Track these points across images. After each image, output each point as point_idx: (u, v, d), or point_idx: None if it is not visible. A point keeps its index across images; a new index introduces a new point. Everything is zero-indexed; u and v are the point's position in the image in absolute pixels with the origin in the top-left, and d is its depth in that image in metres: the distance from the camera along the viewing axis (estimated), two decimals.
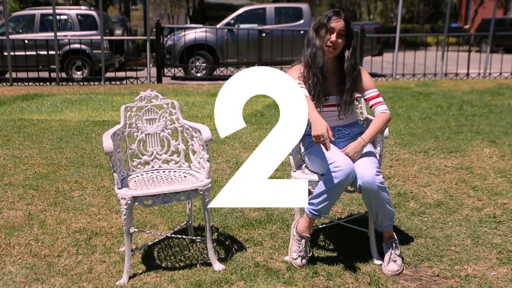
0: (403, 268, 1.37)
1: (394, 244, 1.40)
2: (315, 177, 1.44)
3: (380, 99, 1.46)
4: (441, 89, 5.15)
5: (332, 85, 1.44)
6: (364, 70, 1.48)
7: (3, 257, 1.47)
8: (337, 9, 1.45)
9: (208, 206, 1.35)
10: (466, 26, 18.05)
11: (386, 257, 1.38)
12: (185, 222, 1.65)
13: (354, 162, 1.38)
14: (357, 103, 1.58)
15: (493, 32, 6.41)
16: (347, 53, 1.40)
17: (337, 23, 1.38)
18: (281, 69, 6.37)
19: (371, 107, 1.47)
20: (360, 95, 1.52)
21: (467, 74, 6.31)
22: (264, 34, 6.52)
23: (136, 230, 1.38)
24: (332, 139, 1.33)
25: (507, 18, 12.80)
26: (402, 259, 1.41)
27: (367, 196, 1.37)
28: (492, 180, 2.16)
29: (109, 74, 6.49)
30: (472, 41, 11.39)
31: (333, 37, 1.38)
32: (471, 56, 6.54)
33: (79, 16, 6.66)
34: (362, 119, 1.62)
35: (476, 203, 1.90)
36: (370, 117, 1.62)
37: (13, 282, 1.33)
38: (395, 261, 1.37)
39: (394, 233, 1.45)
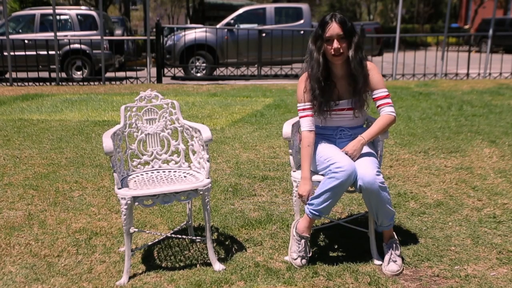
0: (403, 268, 1.36)
1: (394, 244, 1.40)
2: (315, 178, 1.44)
3: (388, 100, 1.45)
4: (441, 89, 5.15)
5: (343, 89, 1.43)
6: (375, 67, 1.45)
7: (3, 257, 1.47)
8: (330, 13, 1.39)
9: None
10: (466, 26, 18.05)
11: (386, 257, 1.38)
12: (185, 222, 1.65)
13: (354, 162, 1.38)
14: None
15: (493, 32, 6.41)
16: (350, 53, 1.38)
17: (333, 30, 1.36)
18: (281, 69, 6.33)
19: (378, 107, 1.46)
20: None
21: (467, 74, 6.30)
22: (264, 34, 6.52)
23: (136, 230, 1.38)
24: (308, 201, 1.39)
25: (507, 18, 12.79)
26: (402, 259, 1.41)
27: (367, 196, 1.36)
28: (492, 180, 2.16)
29: (109, 74, 6.48)
30: (472, 41, 11.39)
31: (334, 44, 1.36)
32: (471, 56, 6.54)
33: (79, 16, 6.66)
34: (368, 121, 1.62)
35: (476, 203, 1.90)
36: (371, 117, 1.61)
37: (13, 282, 1.33)
38: (395, 261, 1.36)
39: (394, 233, 1.45)
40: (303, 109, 1.44)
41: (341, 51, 1.37)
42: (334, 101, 1.42)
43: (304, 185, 1.39)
